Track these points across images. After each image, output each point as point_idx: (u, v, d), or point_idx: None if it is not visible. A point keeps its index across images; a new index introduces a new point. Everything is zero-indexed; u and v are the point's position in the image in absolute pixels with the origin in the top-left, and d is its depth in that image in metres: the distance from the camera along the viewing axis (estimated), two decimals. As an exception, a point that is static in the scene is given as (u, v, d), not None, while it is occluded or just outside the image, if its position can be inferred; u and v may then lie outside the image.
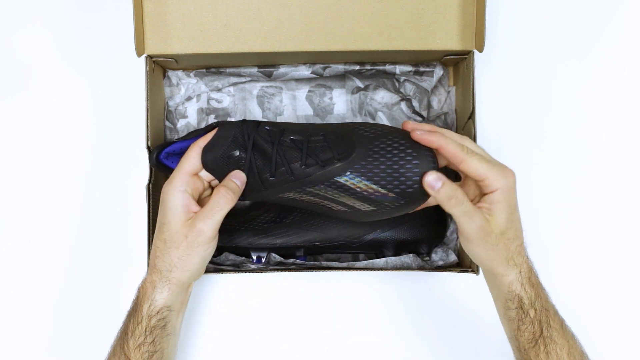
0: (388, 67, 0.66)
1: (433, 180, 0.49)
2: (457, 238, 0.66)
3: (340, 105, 0.68)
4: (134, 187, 0.64)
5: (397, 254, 0.62)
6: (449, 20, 0.60)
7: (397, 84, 0.68)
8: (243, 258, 0.63)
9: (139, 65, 0.60)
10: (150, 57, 0.60)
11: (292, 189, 0.52)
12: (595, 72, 0.69)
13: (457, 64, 0.66)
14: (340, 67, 0.66)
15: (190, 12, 0.60)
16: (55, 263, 0.68)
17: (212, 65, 0.67)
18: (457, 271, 0.61)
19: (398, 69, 0.66)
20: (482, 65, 0.65)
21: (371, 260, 0.62)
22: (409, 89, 0.68)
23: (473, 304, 0.68)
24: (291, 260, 0.62)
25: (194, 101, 0.68)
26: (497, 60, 0.68)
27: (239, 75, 0.67)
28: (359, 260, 0.64)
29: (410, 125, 0.52)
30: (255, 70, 0.66)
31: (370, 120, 0.68)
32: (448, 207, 0.49)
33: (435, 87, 0.68)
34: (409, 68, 0.66)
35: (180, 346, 0.67)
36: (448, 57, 0.64)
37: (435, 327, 0.68)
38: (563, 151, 0.69)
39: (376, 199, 0.50)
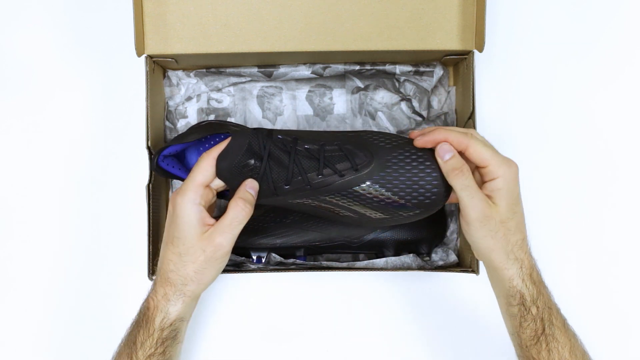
0: (388, 67, 0.66)
1: (444, 151, 0.50)
2: (457, 238, 0.66)
3: (340, 105, 0.68)
4: (134, 187, 0.64)
5: (397, 254, 0.62)
6: (449, 20, 0.60)
7: (397, 84, 0.68)
8: (243, 258, 0.63)
9: (139, 65, 0.60)
10: (150, 57, 0.60)
11: (306, 197, 0.53)
12: (595, 72, 0.69)
13: (457, 64, 0.66)
14: (340, 67, 0.66)
15: (190, 12, 0.60)
16: (55, 263, 0.68)
17: (212, 65, 0.67)
18: (457, 271, 0.61)
19: (398, 69, 0.66)
20: (482, 65, 0.65)
21: (371, 260, 0.62)
22: (409, 89, 0.68)
23: (473, 304, 0.68)
24: (291, 260, 0.62)
25: (194, 101, 0.68)
26: (497, 60, 0.68)
27: (239, 75, 0.67)
28: (359, 260, 0.64)
29: (413, 134, 0.53)
30: (255, 70, 0.66)
31: (370, 121, 0.68)
32: (452, 178, 0.50)
33: (435, 87, 0.68)
34: (409, 68, 0.66)
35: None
36: (448, 57, 0.63)
37: (436, 327, 0.68)
38: (563, 151, 0.69)
39: (392, 208, 0.51)
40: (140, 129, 0.60)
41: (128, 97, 0.68)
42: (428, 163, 0.51)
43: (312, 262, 0.65)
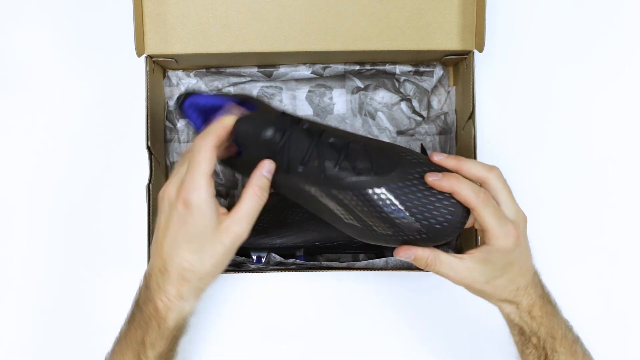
0: (388, 67, 0.66)
1: (402, 255, 0.49)
2: (458, 238, 0.66)
3: (340, 105, 0.68)
4: (134, 187, 0.64)
5: (397, 254, 0.62)
6: (449, 20, 0.60)
7: (397, 84, 0.68)
8: (243, 258, 0.63)
9: (139, 65, 0.60)
10: (150, 57, 0.60)
11: (317, 185, 0.50)
12: (595, 72, 0.69)
13: (457, 64, 0.66)
14: (340, 67, 0.66)
15: (190, 12, 0.60)
16: (55, 262, 0.68)
17: (212, 65, 0.67)
18: (457, 271, 0.61)
19: (398, 69, 0.66)
20: (482, 65, 0.65)
21: (371, 260, 0.62)
22: (409, 89, 0.68)
23: (473, 304, 0.67)
24: (291, 260, 0.62)
25: (194, 101, 0.68)
26: (497, 60, 0.68)
27: (239, 75, 0.67)
28: (359, 260, 0.64)
29: (435, 158, 0.51)
30: (255, 70, 0.66)
31: (370, 121, 0.68)
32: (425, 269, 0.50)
33: (435, 87, 0.68)
34: (409, 68, 0.66)
35: (180, 346, 0.67)
36: (448, 57, 0.64)
37: (435, 327, 0.68)
38: (563, 151, 0.69)
39: (400, 223, 0.49)
40: (140, 129, 0.60)
41: (128, 97, 0.68)
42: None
43: (312, 262, 0.65)
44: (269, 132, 0.50)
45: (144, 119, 0.59)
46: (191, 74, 0.67)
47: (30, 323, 0.68)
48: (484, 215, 0.48)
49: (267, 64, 0.66)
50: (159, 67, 0.65)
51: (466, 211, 0.48)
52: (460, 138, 0.65)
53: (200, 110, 0.57)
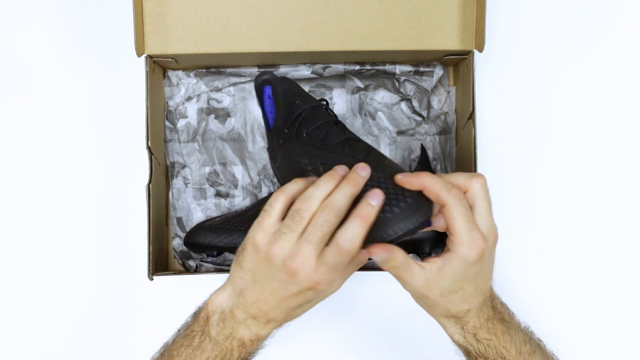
0: (388, 67, 0.66)
1: (376, 256, 0.46)
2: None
3: (340, 105, 0.68)
4: (134, 187, 0.64)
5: (397, 254, 0.62)
6: (449, 20, 0.60)
7: (397, 84, 0.68)
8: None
9: (139, 65, 0.60)
10: (150, 57, 0.60)
11: (310, 156, 0.54)
12: (595, 73, 0.69)
13: (457, 64, 0.66)
14: (340, 67, 0.66)
15: (190, 12, 0.60)
16: (54, 262, 0.68)
17: (212, 65, 0.67)
18: (457, 271, 0.61)
19: (398, 69, 0.66)
20: (482, 65, 0.65)
21: (371, 260, 0.62)
22: (409, 89, 0.68)
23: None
24: (291, 260, 0.62)
25: (194, 101, 0.68)
26: (497, 60, 0.68)
27: (239, 75, 0.67)
28: (359, 260, 0.64)
29: (401, 178, 0.47)
30: (255, 70, 0.66)
31: (370, 121, 0.68)
32: (384, 268, 0.47)
33: (435, 87, 0.68)
34: (409, 68, 0.66)
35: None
36: (448, 57, 0.64)
37: (435, 327, 0.68)
38: (562, 151, 0.69)
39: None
40: (140, 129, 0.60)
41: (128, 97, 0.68)
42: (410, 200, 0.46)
43: (312, 262, 0.65)
44: (295, 98, 0.59)
45: (144, 119, 0.59)
46: (191, 74, 0.67)
47: (30, 322, 0.68)
48: (454, 214, 0.45)
49: (267, 64, 0.66)
50: (159, 67, 0.65)
51: (429, 202, 0.46)
52: (460, 138, 0.65)
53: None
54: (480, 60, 0.62)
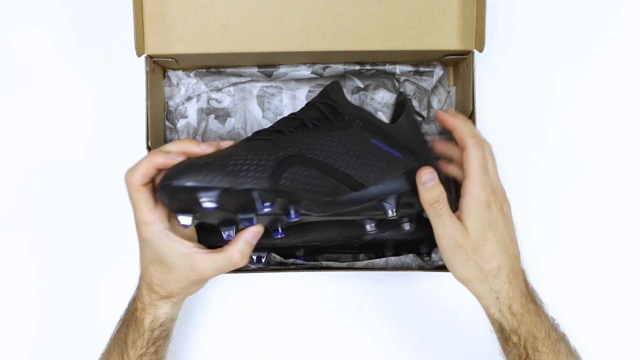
0: (388, 67, 0.66)
1: (426, 179, 0.50)
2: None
3: (340, 105, 0.68)
4: (134, 187, 0.64)
5: (397, 254, 0.62)
6: (449, 20, 0.60)
7: (397, 84, 0.68)
8: (243, 258, 0.63)
9: (139, 65, 0.60)
10: (150, 57, 0.60)
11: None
12: (595, 72, 0.69)
13: (457, 64, 0.66)
14: (340, 67, 0.66)
15: (190, 12, 0.60)
16: (54, 262, 0.68)
17: (212, 65, 0.67)
18: (457, 271, 0.61)
19: (398, 69, 0.66)
20: (482, 65, 0.65)
21: (371, 260, 0.62)
22: (409, 89, 0.68)
23: (473, 304, 0.67)
24: (291, 260, 0.62)
25: (194, 101, 0.68)
26: (497, 60, 0.68)
27: (239, 75, 0.67)
28: (359, 260, 0.64)
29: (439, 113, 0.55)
30: (255, 70, 0.66)
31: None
32: (427, 206, 0.50)
33: (435, 87, 0.68)
34: (409, 68, 0.66)
35: (180, 346, 0.68)
36: (448, 57, 0.64)
37: (435, 327, 0.68)
38: (563, 151, 0.69)
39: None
40: (140, 129, 0.60)
41: (128, 97, 0.68)
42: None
43: (312, 262, 0.65)
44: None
45: (144, 119, 0.59)
46: (191, 74, 0.67)
47: (29, 322, 0.68)
48: (472, 157, 0.50)
49: (267, 64, 0.66)
50: (159, 67, 0.65)
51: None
52: (460, 138, 0.65)
53: None
54: (480, 60, 0.62)
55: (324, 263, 0.64)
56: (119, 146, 0.68)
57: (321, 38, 0.60)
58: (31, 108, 0.69)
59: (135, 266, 0.59)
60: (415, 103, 0.68)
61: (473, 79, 0.60)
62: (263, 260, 0.62)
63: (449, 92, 0.68)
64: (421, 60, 0.66)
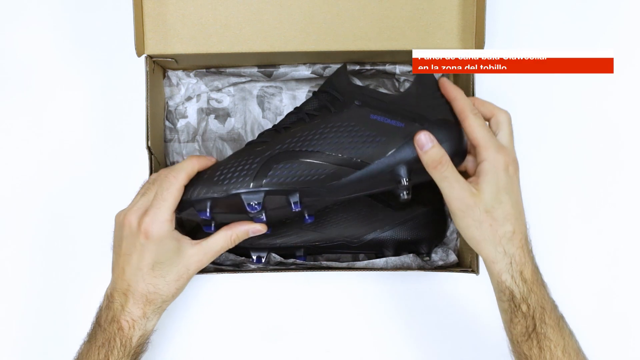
0: (388, 67, 0.66)
1: (424, 141, 0.50)
2: (457, 238, 0.65)
3: (340, 105, 0.68)
4: (134, 187, 0.63)
5: (397, 254, 0.62)
6: (449, 20, 0.60)
7: (397, 84, 0.68)
8: (243, 258, 0.63)
9: (139, 65, 0.60)
10: (150, 57, 0.60)
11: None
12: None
13: (457, 64, 0.66)
14: (340, 67, 0.66)
15: (190, 12, 0.60)
16: (54, 262, 0.68)
17: (212, 65, 0.67)
18: (457, 271, 0.61)
19: (398, 69, 0.66)
20: (482, 65, 0.65)
21: (371, 260, 0.62)
22: (409, 89, 0.68)
23: (473, 304, 0.68)
24: (291, 260, 0.62)
25: (194, 101, 0.68)
26: (497, 60, 0.68)
27: (239, 75, 0.67)
28: (359, 260, 0.64)
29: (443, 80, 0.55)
30: (255, 70, 0.66)
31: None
32: (431, 169, 0.50)
33: (435, 87, 0.68)
34: (409, 68, 0.66)
35: (180, 346, 0.68)
36: (448, 57, 0.64)
37: (435, 327, 0.68)
38: (563, 151, 0.69)
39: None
40: (140, 129, 0.60)
41: (128, 97, 0.68)
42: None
43: (312, 262, 0.65)
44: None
45: (144, 119, 0.59)
46: (191, 74, 0.67)
47: (26, 320, 0.68)
48: (474, 125, 0.50)
49: (267, 64, 0.66)
50: (159, 67, 0.65)
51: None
52: (460, 138, 0.65)
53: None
54: (480, 60, 0.62)
55: (324, 263, 0.64)
56: (119, 146, 0.68)
57: (321, 38, 0.60)
58: (31, 108, 0.69)
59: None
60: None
61: (473, 79, 0.60)
62: (263, 260, 0.62)
63: (449, 92, 0.68)
64: (421, 60, 0.66)
